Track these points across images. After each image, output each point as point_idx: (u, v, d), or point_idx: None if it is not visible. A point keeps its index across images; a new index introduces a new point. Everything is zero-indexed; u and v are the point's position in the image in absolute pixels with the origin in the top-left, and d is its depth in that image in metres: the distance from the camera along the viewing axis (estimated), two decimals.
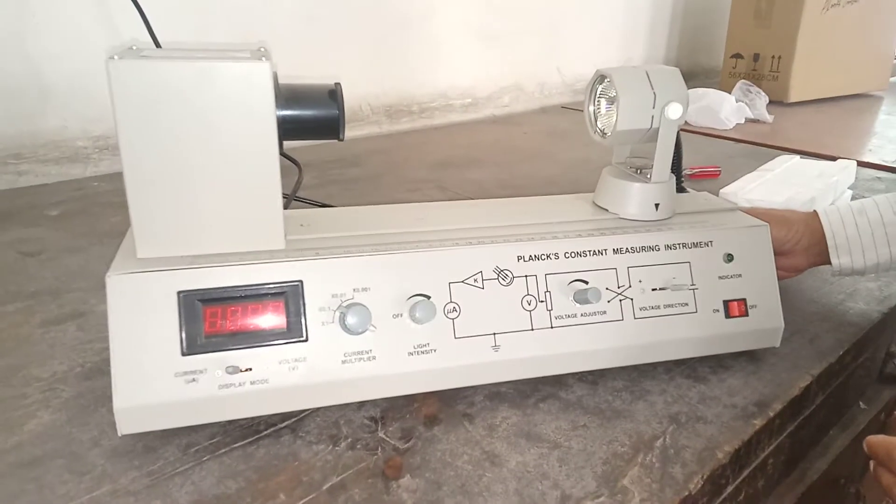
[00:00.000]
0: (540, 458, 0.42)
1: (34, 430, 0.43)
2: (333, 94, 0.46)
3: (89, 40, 0.97)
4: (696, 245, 0.52)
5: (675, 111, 0.51)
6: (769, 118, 1.48)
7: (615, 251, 0.50)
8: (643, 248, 0.51)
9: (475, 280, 0.47)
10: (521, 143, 1.30)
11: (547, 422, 0.46)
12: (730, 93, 1.47)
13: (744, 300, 0.52)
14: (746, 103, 1.48)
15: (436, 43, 1.44)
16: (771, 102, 1.55)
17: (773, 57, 1.68)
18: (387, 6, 1.32)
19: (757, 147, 1.27)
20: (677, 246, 0.52)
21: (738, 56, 1.77)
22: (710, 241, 0.52)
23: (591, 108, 0.55)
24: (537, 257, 0.49)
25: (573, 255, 0.49)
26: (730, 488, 0.45)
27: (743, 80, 1.56)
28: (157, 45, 0.83)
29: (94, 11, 0.97)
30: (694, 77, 2.07)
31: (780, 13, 1.64)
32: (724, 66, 1.81)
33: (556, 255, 0.49)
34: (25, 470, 0.40)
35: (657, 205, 0.53)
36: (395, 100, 1.40)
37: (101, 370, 0.50)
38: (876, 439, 0.47)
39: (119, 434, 0.41)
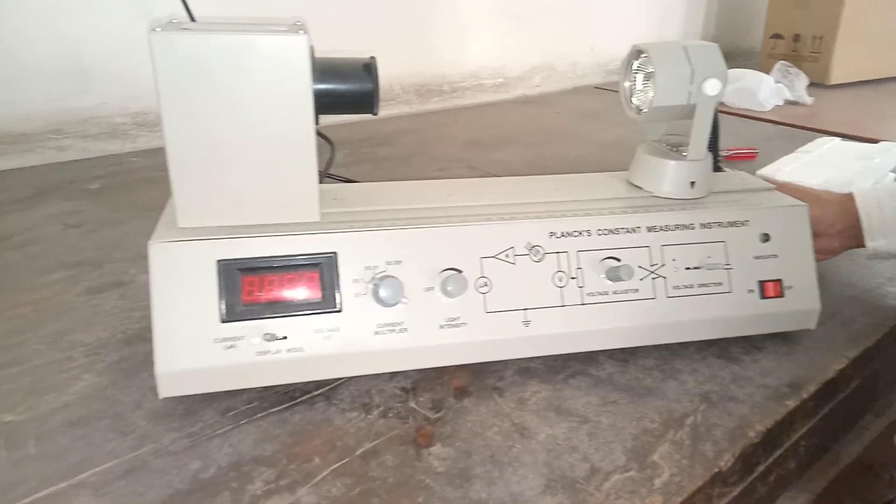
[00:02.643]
0: (569, 431, 0.43)
1: (80, 392, 0.45)
2: (368, 68, 0.46)
3: (126, 19, 0.99)
4: (731, 224, 0.52)
5: (713, 87, 0.50)
6: (809, 100, 1.44)
7: (649, 229, 0.50)
8: (678, 227, 0.51)
9: (507, 255, 0.47)
10: (552, 124, 1.29)
11: (577, 397, 0.46)
12: (768, 74, 1.44)
13: (779, 281, 0.52)
14: (785, 85, 1.45)
15: (466, 22, 1.43)
16: (811, 84, 1.51)
17: (814, 37, 1.63)
18: None
19: (796, 129, 1.24)
20: (713, 225, 0.51)
21: (777, 36, 1.72)
22: (747, 221, 0.52)
23: (627, 83, 0.54)
24: (570, 234, 0.49)
25: (606, 232, 0.49)
26: (761, 468, 0.45)
27: (782, 61, 1.52)
28: (193, 19, 0.84)
29: None
30: (731, 58, 2.00)
31: None
32: (762, 47, 1.76)
33: (588, 231, 0.49)
34: (74, 428, 0.42)
35: (693, 183, 0.53)
36: (426, 79, 1.40)
37: (141, 337, 0.52)
38: None
39: (160, 397, 0.42)
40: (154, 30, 0.40)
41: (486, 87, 1.51)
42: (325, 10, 1.19)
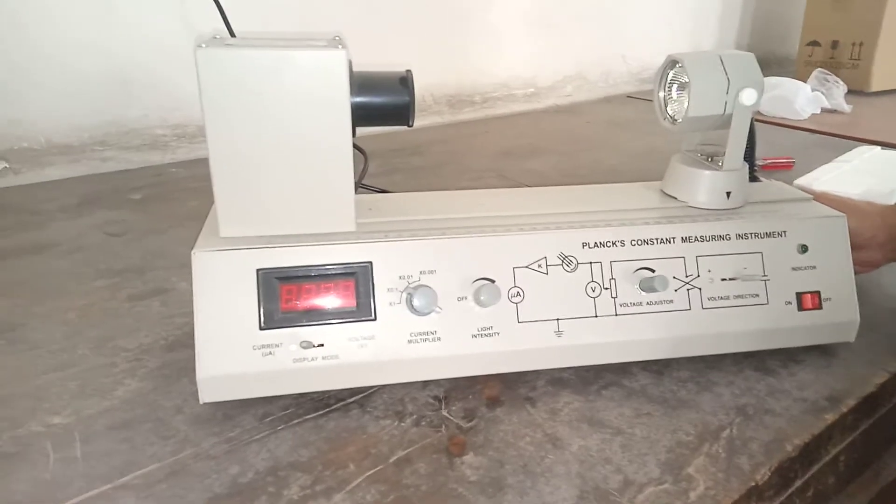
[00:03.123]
0: (602, 443, 0.43)
1: (123, 397, 0.47)
2: (405, 82, 0.47)
3: (167, 33, 1.02)
4: (768, 235, 0.51)
5: (749, 97, 0.50)
6: (847, 108, 1.41)
7: (683, 239, 0.50)
8: (713, 237, 0.50)
9: (539, 265, 0.48)
10: (584, 133, 1.29)
11: (610, 408, 0.46)
12: (805, 82, 1.41)
13: (818, 293, 0.51)
14: (823, 93, 1.42)
15: (497, 32, 1.43)
16: (850, 92, 1.47)
17: (853, 44, 1.60)
18: None
19: (834, 138, 1.22)
20: (749, 235, 0.51)
21: (814, 43, 1.69)
22: (784, 232, 0.51)
23: (662, 94, 0.54)
24: (603, 244, 0.49)
25: (640, 242, 0.49)
26: (798, 482, 0.44)
27: (819, 69, 1.49)
28: (233, 35, 0.87)
29: (171, 7, 1.02)
30: (767, 66, 1.98)
31: None
32: (799, 55, 1.74)
33: (622, 242, 0.49)
34: (117, 432, 0.43)
35: (728, 193, 0.52)
36: (458, 90, 1.41)
37: (182, 343, 0.53)
38: None
39: (200, 402, 0.43)
40: (199, 46, 0.41)
41: (518, 97, 1.51)
42: (357, 21, 1.21)
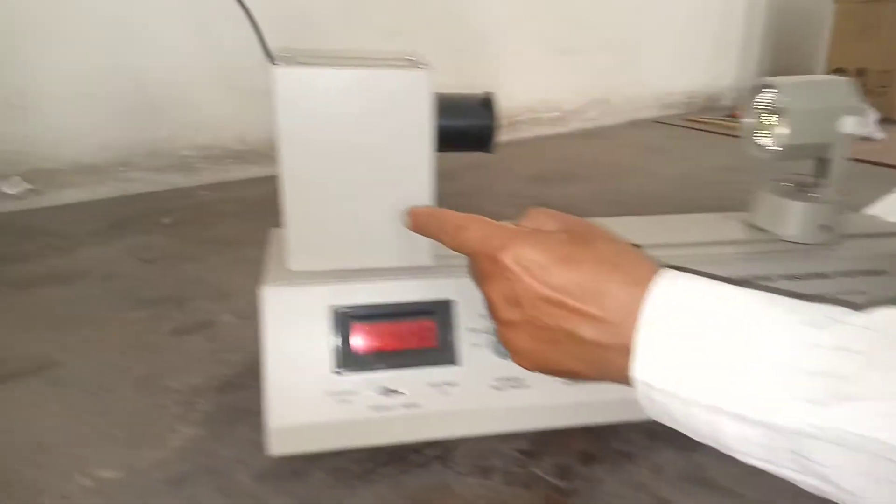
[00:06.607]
0: None
1: (177, 446, 0.42)
2: (487, 104, 0.44)
3: (192, 55, 1.00)
4: (871, 273, 0.47)
5: (850, 124, 0.46)
6: (880, 135, 1.39)
7: (780, 277, 0.46)
8: (811, 275, 0.46)
9: None
10: (614, 158, 1.26)
11: (717, 466, 0.42)
12: None
13: None
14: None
15: (518, 55, 1.42)
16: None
17: (881, 71, 1.58)
18: (467, 20, 1.31)
19: (869, 165, 1.19)
20: (852, 273, 0.47)
21: (840, 71, 1.67)
22: (884, 270, 0.47)
23: (751, 120, 0.50)
24: None
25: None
26: None
27: None
28: (270, 55, 0.84)
29: (197, 26, 0.99)
30: None
31: (890, 25, 1.55)
32: None
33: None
34: (176, 488, 0.39)
35: (825, 226, 0.49)
36: None
37: (234, 384, 0.49)
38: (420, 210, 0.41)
39: (270, 454, 0.39)
40: (276, 63, 0.38)
41: (543, 121, 1.49)
42: (379, 43, 1.19)
